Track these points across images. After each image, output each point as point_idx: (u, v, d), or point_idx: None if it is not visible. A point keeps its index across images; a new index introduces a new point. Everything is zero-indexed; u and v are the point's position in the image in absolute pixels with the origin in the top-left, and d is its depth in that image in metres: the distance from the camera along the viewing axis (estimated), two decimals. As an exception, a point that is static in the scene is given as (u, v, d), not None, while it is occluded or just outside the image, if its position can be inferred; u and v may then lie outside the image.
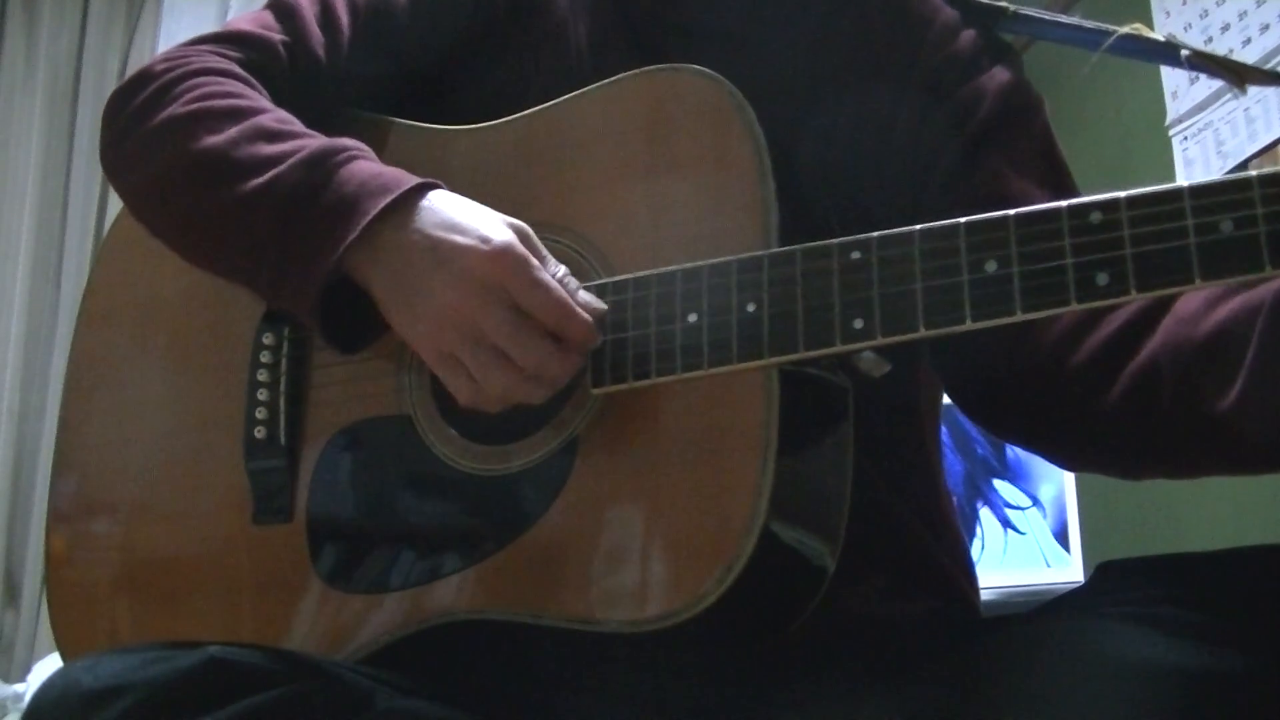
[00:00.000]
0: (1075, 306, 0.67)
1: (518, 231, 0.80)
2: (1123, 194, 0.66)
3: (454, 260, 0.78)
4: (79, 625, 0.97)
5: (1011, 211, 0.69)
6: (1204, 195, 0.64)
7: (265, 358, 0.93)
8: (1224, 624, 0.65)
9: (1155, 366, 0.77)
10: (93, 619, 0.97)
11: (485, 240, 0.78)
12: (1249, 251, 0.62)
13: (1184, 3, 2.20)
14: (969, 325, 0.69)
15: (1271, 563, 0.69)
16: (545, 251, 0.81)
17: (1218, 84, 2.09)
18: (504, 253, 0.78)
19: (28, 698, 0.78)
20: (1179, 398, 0.76)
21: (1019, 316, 0.68)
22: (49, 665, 2.18)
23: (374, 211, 0.80)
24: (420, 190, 0.82)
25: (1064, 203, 0.68)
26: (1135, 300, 0.66)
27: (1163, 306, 0.79)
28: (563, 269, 0.80)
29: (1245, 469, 0.77)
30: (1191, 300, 0.77)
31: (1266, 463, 0.75)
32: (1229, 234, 0.63)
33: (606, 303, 0.80)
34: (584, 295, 0.80)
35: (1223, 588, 0.68)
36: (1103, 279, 0.66)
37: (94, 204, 3.07)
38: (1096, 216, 0.67)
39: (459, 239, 0.79)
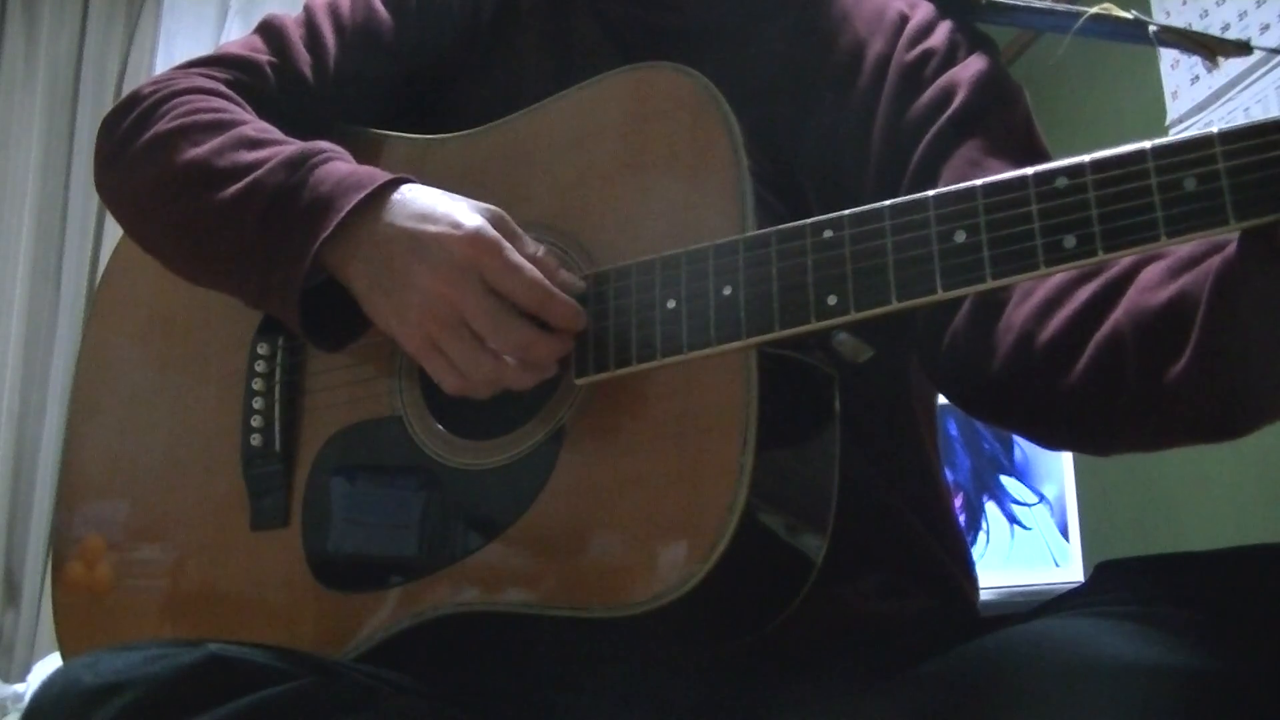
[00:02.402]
0: (1044, 270, 0.68)
1: (490, 215, 0.82)
2: (1087, 158, 0.67)
3: (430, 248, 0.80)
4: (83, 631, 0.98)
5: (979, 181, 0.70)
6: (1166, 154, 0.65)
7: (260, 367, 0.95)
8: (1224, 624, 0.65)
9: (1118, 335, 0.78)
10: (96, 625, 0.98)
11: (457, 225, 0.80)
12: (1213, 206, 0.63)
13: (1184, 2, 2.20)
14: (940, 295, 0.70)
15: (1271, 563, 0.69)
16: (520, 232, 0.82)
17: (1217, 84, 2.09)
18: (475, 236, 0.79)
19: (28, 698, 0.78)
20: (1139, 366, 0.76)
21: (989, 284, 0.69)
22: (49, 665, 2.18)
23: (348, 207, 0.82)
24: (393, 185, 0.84)
25: (1030, 170, 0.69)
26: (1103, 260, 0.67)
27: (1127, 279, 0.79)
28: (541, 248, 0.82)
29: (1204, 435, 0.77)
30: (1153, 270, 0.77)
31: (1220, 428, 0.75)
32: (1192, 190, 0.63)
33: (589, 295, 0.81)
34: (564, 274, 0.82)
35: (1223, 588, 0.68)
36: (1070, 242, 0.67)
37: (94, 204, 3.07)
38: (1062, 182, 0.67)
39: (431, 227, 0.81)
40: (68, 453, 1.06)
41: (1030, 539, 2.12)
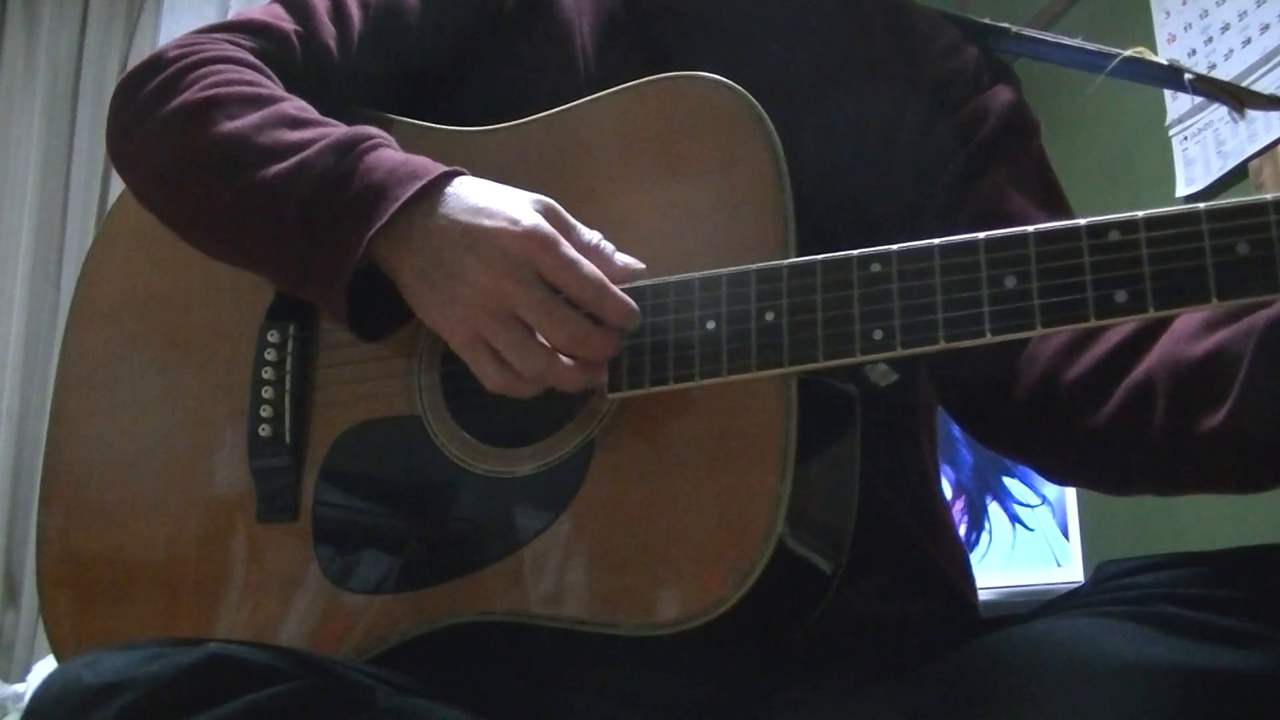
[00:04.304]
0: (1094, 323, 0.68)
1: (545, 209, 0.80)
2: (1140, 214, 0.67)
3: (484, 242, 0.79)
4: (73, 624, 0.96)
5: (1031, 228, 0.70)
6: (1220, 218, 0.65)
7: (270, 355, 0.93)
8: (1224, 624, 0.65)
9: (1150, 382, 0.78)
10: (88, 618, 0.96)
11: (514, 221, 0.79)
12: (1265, 272, 0.63)
13: (1184, 3, 2.20)
14: (989, 339, 0.70)
15: (1271, 563, 0.70)
16: (575, 222, 0.81)
17: (1218, 84, 2.08)
18: (533, 232, 0.78)
19: (28, 697, 0.78)
20: (1171, 414, 0.76)
21: (1039, 331, 0.69)
22: (49, 665, 2.18)
23: (404, 198, 0.80)
24: (447, 177, 0.82)
25: (1083, 221, 0.69)
26: (1153, 317, 0.67)
27: (1161, 325, 0.80)
28: (597, 235, 0.81)
29: (1229, 487, 0.78)
30: (1190, 320, 0.78)
31: (1248, 482, 0.76)
32: (1245, 255, 0.64)
33: None
34: (622, 257, 0.81)
35: (1223, 588, 0.68)
36: (1121, 297, 0.67)
37: (94, 204, 3.07)
38: (1115, 235, 0.67)
39: (488, 222, 0.79)
40: (53, 435, 1.02)
41: (1032, 539, 2.12)
